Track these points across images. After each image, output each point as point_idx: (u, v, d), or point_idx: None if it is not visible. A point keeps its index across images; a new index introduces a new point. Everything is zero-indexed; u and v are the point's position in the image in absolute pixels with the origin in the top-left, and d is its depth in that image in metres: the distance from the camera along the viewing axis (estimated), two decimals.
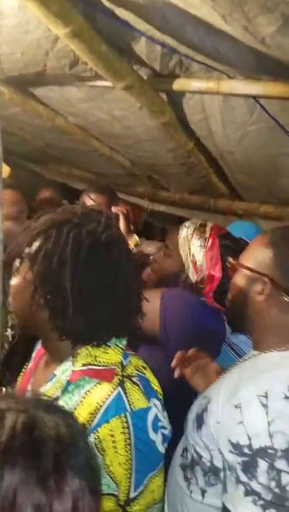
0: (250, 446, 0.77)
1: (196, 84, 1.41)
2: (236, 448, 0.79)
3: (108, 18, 1.14)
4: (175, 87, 1.45)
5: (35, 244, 0.83)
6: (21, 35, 1.20)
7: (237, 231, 1.75)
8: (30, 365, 1.01)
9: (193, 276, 1.38)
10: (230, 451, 0.79)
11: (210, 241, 1.38)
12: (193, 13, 0.93)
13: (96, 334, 0.85)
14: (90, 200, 2.00)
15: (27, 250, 0.84)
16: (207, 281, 1.37)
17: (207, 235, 1.39)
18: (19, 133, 2.25)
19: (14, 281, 0.88)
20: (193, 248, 1.38)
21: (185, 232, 1.42)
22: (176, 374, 1.07)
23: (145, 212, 3.28)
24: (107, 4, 1.08)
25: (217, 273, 1.35)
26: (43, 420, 0.53)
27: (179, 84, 1.44)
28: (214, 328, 1.37)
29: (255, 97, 1.33)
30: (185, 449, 0.95)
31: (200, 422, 0.91)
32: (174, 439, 0.93)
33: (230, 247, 1.36)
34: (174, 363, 1.07)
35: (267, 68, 1.11)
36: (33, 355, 1.03)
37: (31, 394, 0.65)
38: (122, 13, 1.11)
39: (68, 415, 0.59)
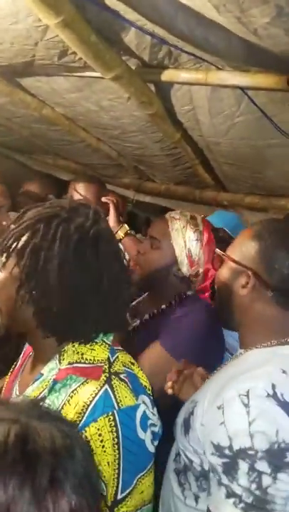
0: (230, 448, 0.75)
1: (184, 75, 1.43)
2: (218, 449, 0.77)
3: (98, 8, 1.15)
4: (163, 78, 1.46)
5: (23, 239, 0.83)
6: (11, 26, 1.20)
7: (218, 221, 1.78)
8: (18, 364, 1.00)
9: (187, 270, 1.38)
10: (212, 453, 0.78)
11: (206, 235, 1.39)
12: (184, 2, 0.95)
13: (82, 330, 0.84)
14: (78, 191, 2.00)
15: (14, 245, 0.83)
16: (202, 276, 1.38)
17: (201, 229, 1.40)
18: (6, 123, 2.23)
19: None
20: (189, 242, 1.37)
21: (177, 224, 1.40)
22: (170, 392, 1.05)
23: (130, 203, 3.30)
24: None
25: (213, 268, 1.36)
26: (37, 431, 0.50)
27: (167, 75, 1.45)
28: (221, 345, 1.37)
29: (242, 88, 1.36)
30: (178, 454, 0.93)
31: (187, 426, 0.89)
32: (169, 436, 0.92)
33: (226, 241, 1.37)
34: (168, 384, 1.05)
35: (257, 59, 1.13)
36: (21, 352, 1.03)
37: (23, 399, 0.63)
38: (112, 2, 1.12)
39: (64, 422, 0.56)
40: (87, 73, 1.53)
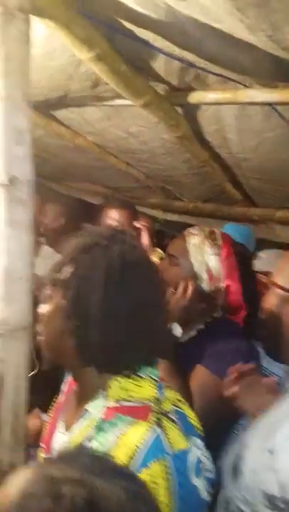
0: (284, 499, 0.67)
1: (212, 96, 1.46)
2: (270, 500, 0.70)
3: (128, 39, 1.21)
4: (191, 101, 1.50)
5: (66, 270, 0.83)
6: (47, 63, 1.27)
7: (231, 234, 1.73)
8: (60, 398, 0.98)
9: (207, 285, 1.35)
10: (264, 505, 0.70)
11: (225, 250, 1.36)
12: (215, 25, 0.99)
13: (127, 360, 0.82)
14: (111, 216, 2.03)
15: (57, 277, 0.84)
16: (223, 292, 1.34)
17: (219, 243, 1.37)
18: (41, 154, 2.33)
19: (45, 309, 0.87)
20: (207, 257, 1.35)
21: (195, 240, 1.38)
22: (228, 393, 0.99)
23: (159, 223, 3.34)
24: (128, 25, 1.14)
25: (235, 283, 1.33)
26: (105, 494, 0.46)
27: (195, 97, 1.49)
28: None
29: (271, 104, 1.38)
30: (227, 502, 0.84)
31: (236, 472, 0.81)
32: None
33: (244, 255, 1.35)
34: (228, 381, 0.99)
35: (286, 75, 1.16)
36: (62, 387, 1.00)
37: (82, 451, 0.59)
38: (141, 32, 1.17)
39: (129, 479, 0.53)
40: (118, 101, 1.59)
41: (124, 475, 0.53)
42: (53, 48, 1.20)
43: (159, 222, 3.19)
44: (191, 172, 2.28)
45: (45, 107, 1.70)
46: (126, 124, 1.83)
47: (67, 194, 3.32)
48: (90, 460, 0.53)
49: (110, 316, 0.79)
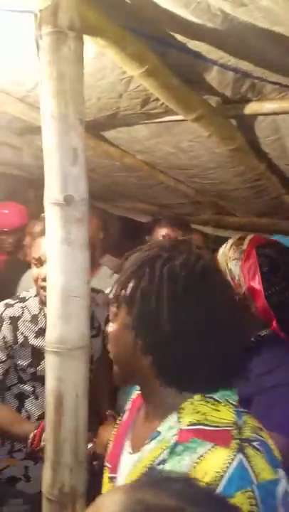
0: None
1: (269, 106, 1.38)
2: None
3: (180, 53, 1.16)
4: (247, 112, 1.42)
5: (130, 286, 0.79)
6: (96, 82, 1.25)
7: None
8: (125, 417, 0.93)
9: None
10: None
11: (246, 252, 1.26)
12: (275, 29, 0.91)
13: (200, 381, 0.77)
14: (164, 233, 1.96)
15: (122, 293, 0.80)
16: (250, 296, 1.22)
17: (244, 247, 1.28)
18: (90, 174, 2.33)
19: (112, 327, 0.84)
20: (230, 263, 1.27)
21: (222, 248, 1.32)
22: None
23: (210, 240, 3.24)
24: (180, 38, 1.09)
25: (257, 285, 1.21)
26: None
27: (251, 108, 1.41)
28: None
29: None
30: None
31: None
32: None
33: (270, 256, 1.23)
34: None
35: None
36: (128, 405, 0.96)
37: (171, 476, 0.55)
38: (194, 44, 1.12)
39: (225, 507, 0.50)
40: (168, 117, 1.55)
41: (218, 502, 0.51)
42: (103, 67, 1.18)
43: (210, 239, 3.10)
44: (245, 186, 2.18)
45: (94, 128, 1.68)
46: (176, 139, 1.79)
47: (114, 213, 3.33)
48: (182, 486, 0.50)
49: (179, 331, 0.75)
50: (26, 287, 1.94)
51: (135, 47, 1.04)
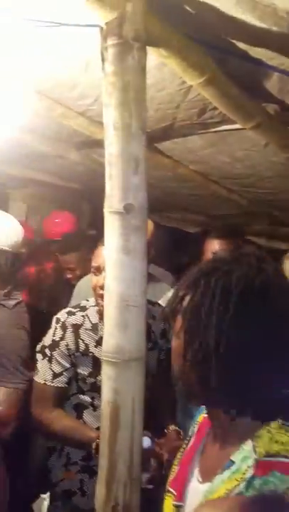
0: None
1: None
2: None
3: (240, 60, 1.14)
4: None
5: (186, 299, 0.77)
6: (156, 93, 1.26)
7: None
8: (192, 442, 0.88)
9: None
10: None
11: None
12: None
13: (275, 403, 0.72)
14: (216, 245, 1.90)
15: (179, 307, 0.78)
16: None
17: None
18: None
19: (172, 341, 0.81)
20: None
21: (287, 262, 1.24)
22: None
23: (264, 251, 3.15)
24: (242, 46, 1.07)
25: None
26: None
27: None
28: None
29: None
30: None
31: None
32: None
33: None
34: None
35: None
36: (194, 429, 0.91)
37: None
38: (255, 52, 1.10)
39: None
40: (224, 127, 1.53)
41: None
42: (162, 78, 1.18)
43: (264, 250, 3.01)
44: None
45: (149, 139, 1.69)
46: (231, 149, 1.76)
47: (161, 223, 3.32)
48: None
49: (234, 351, 0.70)
50: (82, 296, 1.96)
51: (196, 56, 1.04)
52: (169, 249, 2.97)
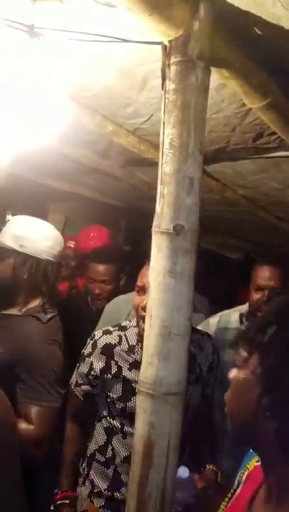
0: None
1: None
2: None
3: None
4: None
5: (269, 331, 0.67)
6: (213, 115, 1.23)
7: None
8: (239, 492, 0.79)
9: None
10: None
11: None
12: None
13: None
14: (269, 273, 1.77)
15: (258, 339, 0.69)
16: None
17: None
18: None
19: (237, 373, 0.71)
20: None
21: None
22: None
23: None
24: None
25: None
26: None
27: None
28: None
29: None
30: None
31: None
32: None
33: None
34: None
35: None
36: (242, 476, 0.82)
37: None
38: None
39: None
40: (281, 153, 1.47)
41: None
42: (221, 99, 1.15)
43: None
44: None
45: None
46: (284, 175, 1.69)
47: (204, 248, 3.26)
48: None
49: None
50: (108, 319, 1.86)
51: (259, 78, 1.00)
52: (206, 273, 2.88)
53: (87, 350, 1.43)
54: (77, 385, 1.45)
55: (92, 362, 1.41)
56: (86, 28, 0.93)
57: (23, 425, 1.30)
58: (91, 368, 1.41)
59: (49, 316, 1.44)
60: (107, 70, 1.13)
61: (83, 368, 1.43)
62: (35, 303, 1.46)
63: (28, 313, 1.43)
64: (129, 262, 2.21)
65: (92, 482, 1.39)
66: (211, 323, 1.82)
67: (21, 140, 1.38)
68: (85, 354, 1.43)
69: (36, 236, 1.45)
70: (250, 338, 0.69)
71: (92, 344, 1.42)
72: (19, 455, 1.14)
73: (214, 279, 2.95)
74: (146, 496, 0.80)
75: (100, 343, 1.42)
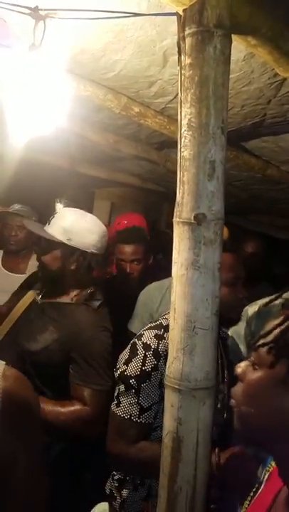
0: None
1: None
2: None
3: None
4: None
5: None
6: (242, 88, 1.13)
7: None
8: (261, 491, 0.77)
9: None
10: None
11: None
12: None
13: None
14: None
15: (281, 337, 0.65)
16: None
17: None
18: (226, 188, 2.22)
19: (258, 375, 0.67)
20: None
21: None
22: None
23: None
24: None
25: None
26: None
27: None
28: None
29: None
30: None
31: None
32: None
33: None
34: None
35: None
36: (265, 474, 0.79)
37: None
38: None
39: None
40: None
41: None
42: (251, 70, 1.05)
43: None
44: None
45: (235, 137, 1.56)
46: None
47: (251, 229, 3.12)
48: None
49: None
50: (144, 309, 1.85)
51: None
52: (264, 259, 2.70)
53: (149, 364, 1.19)
54: (144, 410, 1.19)
55: (161, 374, 1.17)
56: (93, 4, 0.87)
57: (77, 406, 1.37)
58: (161, 381, 1.17)
59: (98, 302, 1.50)
60: (123, 48, 1.06)
61: (151, 386, 1.18)
62: (85, 291, 1.52)
63: (79, 301, 1.49)
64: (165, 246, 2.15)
65: (149, 488, 1.26)
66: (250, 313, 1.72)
67: (50, 129, 1.36)
68: (148, 369, 1.18)
69: (83, 230, 1.49)
70: (277, 339, 0.64)
71: (154, 354, 1.20)
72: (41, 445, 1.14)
73: (271, 263, 2.80)
74: (177, 490, 0.78)
75: (162, 352, 1.20)
